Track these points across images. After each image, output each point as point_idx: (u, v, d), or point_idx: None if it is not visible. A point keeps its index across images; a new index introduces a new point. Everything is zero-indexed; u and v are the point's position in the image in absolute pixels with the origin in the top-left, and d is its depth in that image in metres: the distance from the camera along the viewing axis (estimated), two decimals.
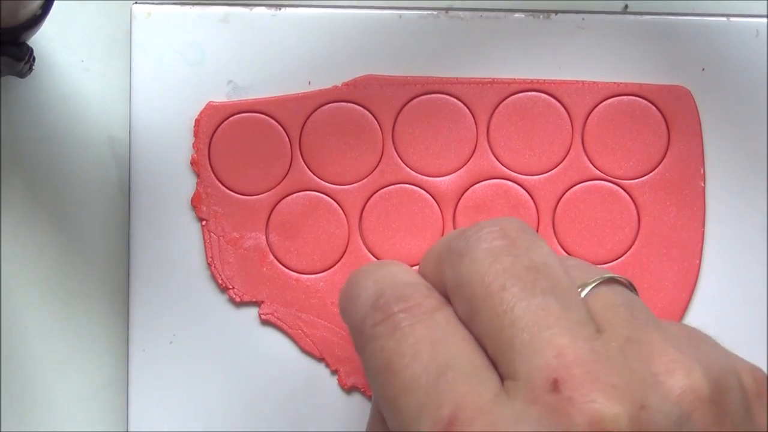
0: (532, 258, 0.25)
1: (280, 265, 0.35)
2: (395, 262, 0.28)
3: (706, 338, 0.26)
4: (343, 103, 0.35)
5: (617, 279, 0.26)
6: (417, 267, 0.29)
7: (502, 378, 0.24)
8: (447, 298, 0.26)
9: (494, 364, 0.24)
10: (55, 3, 0.32)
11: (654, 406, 0.23)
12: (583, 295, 0.25)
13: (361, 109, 0.35)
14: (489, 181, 0.36)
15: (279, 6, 0.35)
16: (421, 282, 0.27)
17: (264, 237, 0.35)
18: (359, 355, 0.26)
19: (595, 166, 0.36)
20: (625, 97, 0.36)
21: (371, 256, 0.35)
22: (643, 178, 0.36)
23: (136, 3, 0.35)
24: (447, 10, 0.36)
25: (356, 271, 0.28)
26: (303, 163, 0.36)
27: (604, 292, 0.25)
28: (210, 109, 0.35)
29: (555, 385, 0.22)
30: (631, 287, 0.26)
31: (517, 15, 0.36)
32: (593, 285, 0.25)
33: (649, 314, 0.25)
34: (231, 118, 0.35)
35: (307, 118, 0.35)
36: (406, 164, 0.36)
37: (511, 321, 0.23)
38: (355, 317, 0.26)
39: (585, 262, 0.28)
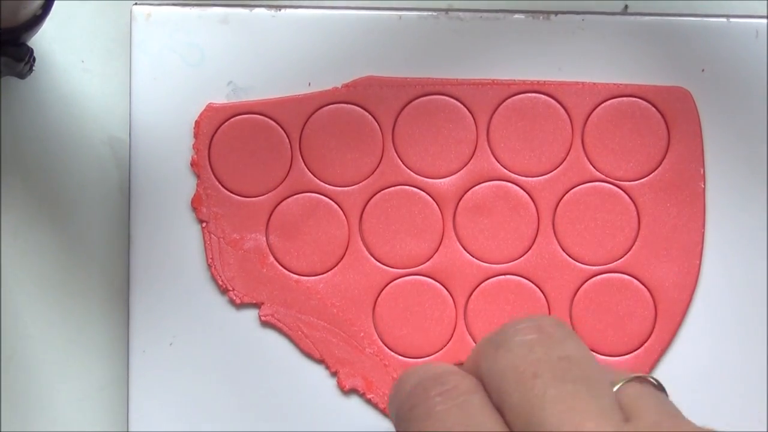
0: (564, 349, 0.26)
1: (281, 267, 0.35)
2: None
3: None
4: (343, 105, 0.35)
5: (647, 378, 0.27)
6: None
7: None
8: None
9: None
10: (55, 3, 0.32)
11: None
12: (615, 389, 0.26)
13: (361, 110, 0.35)
14: (489, 183, 0.36)
15: (279, 7, 0.35)
16: (459, 370, 0.28)
17: (264, 238, 0.35)
18: None
19: (595, 168, 0.36)
20: (625, 98, 0.35)
21: (371, 257, 0.35)
22: (643, 180, 0.36)
23: (136, 4, 0.35)
24: (447, 11, 0.35)
25: (405, 369, 0.30)
26: (303, 164, 0.35)
27: (634, 386, 0.27)
28: (210, 110, 0.35)
29: None
30: (660, 387, 0.27)
31: (517, 16, 0.35)
32: (624, 381, 0.27)
33: (677, 409, 0.26)
34: (231, 120, 0.35)
35: (307, 120, 0.35)
36: (406, 165, 0.36)
37: (542, 406, 0.25)
38: (396, 405, 0.28)
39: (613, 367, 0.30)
